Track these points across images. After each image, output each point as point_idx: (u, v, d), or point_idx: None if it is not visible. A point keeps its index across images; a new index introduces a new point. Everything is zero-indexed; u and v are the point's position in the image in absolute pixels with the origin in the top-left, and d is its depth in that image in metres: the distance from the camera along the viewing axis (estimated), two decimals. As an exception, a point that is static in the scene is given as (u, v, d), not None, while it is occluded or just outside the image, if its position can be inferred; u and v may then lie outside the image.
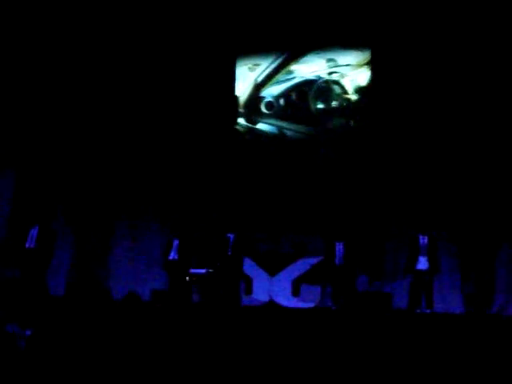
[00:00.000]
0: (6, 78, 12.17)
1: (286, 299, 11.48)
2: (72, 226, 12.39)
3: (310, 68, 12.62)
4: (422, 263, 10.19)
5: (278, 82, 12.77)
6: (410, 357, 6.13)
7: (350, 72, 12.41)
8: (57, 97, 12.50)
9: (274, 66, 12.78)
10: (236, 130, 12.90)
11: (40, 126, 12.39)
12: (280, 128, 12.70)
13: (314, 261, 11.57)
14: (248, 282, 11.49)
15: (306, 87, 12.62)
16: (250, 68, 12.90)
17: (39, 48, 12.33)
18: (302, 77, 12.64)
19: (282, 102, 12.75)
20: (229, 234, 11.05)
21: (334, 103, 12.49)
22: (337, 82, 12.47)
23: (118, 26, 12.53)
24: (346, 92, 12.41)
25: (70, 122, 12.53)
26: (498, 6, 11.24)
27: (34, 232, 10.45)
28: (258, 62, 12.88)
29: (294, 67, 12.69)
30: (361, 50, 12.38)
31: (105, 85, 12.69)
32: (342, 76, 12.43)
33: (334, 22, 12.23)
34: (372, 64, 12.28)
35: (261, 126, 12.83)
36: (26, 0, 12.10)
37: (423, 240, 10.26)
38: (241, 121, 12.91)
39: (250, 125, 12.85)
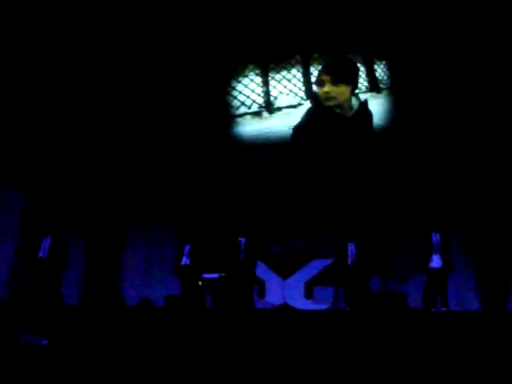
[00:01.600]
0: (16, 89, 12.21)
1: (299, 302, 11.45)
2: (84, 234, 12.42)
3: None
4: (436, 261, 10.15)
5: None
6: (427, 356, 6.09)
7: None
8: (66, 107, 12.53)
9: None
10: (243, 132, 12.91)
11: (51, 136, 12.42)
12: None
13: (326, 262, 11.56)
14: (261, 285, 11.48)
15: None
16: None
17: (50, 63, 12.37)
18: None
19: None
20: (240, 238, 11.04)
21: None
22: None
23: (120, 31, 12.55)
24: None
25: (81, 132, 12.55)
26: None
27: (46, 242, 10.48)
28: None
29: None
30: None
31: (113, 96, 12.71)
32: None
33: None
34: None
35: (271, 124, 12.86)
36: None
37: (436, 238, 10.22)
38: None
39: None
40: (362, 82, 12.59)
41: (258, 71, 12.97)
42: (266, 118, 12.89)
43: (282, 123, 12.77)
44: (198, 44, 12.56)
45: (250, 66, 13.01)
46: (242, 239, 11.02)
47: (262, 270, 11.44)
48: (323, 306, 11.22)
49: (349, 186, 12.05)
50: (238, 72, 13.02)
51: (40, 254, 10.42)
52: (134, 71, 12.68)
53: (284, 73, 12.91)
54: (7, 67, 12.06)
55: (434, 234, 10.26)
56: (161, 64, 12.68)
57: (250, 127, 12.86)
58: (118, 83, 12.66)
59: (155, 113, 12.77)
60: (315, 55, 12.78)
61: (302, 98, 12.80)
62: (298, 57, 12.85)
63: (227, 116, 12.96)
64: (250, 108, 12.92)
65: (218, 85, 12.92)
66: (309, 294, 11.56)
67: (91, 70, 12.56)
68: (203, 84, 12.76)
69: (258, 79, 12.97)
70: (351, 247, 10.72)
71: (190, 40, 12.54)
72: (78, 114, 12.58)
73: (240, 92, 12.94)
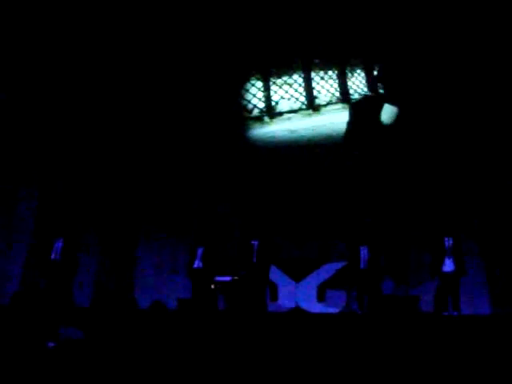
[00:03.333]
0: (30, 92, 12.29)
1: (311, 305, 11.46)
2: (96, 236, 12.46)
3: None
4: (448, 265, 10.10)
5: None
6: (439, 359, 6.08)
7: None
8: (80, 109, 12.60)
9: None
10: (256, 135, 12.97)
11: (63, 138, 12.48)
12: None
13: (338, 266, 11.54)
14: (273, 288, 11.48)
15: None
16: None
17: (61, 65, 12.45)
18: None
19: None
20: (253, 241, 11.02)
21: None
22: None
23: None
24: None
25: (95, 136, 12.62)
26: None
27: (58, 244, 10.50)
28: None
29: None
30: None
31: (125, 99, 12.79)
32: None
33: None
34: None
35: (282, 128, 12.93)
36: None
37: (448, 242, 10.17)
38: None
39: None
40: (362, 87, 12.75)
41: (259, 76, 13.07)
42: (274, 122, 12.99)
43: (296, 127, 12.85)
44: (200, 49, 12.65)
45: (252, 71, 13.09)
46: (255, 242, 10.99)
47: (274, 273, 11.43)
48: (335, 310, 11.20)
49: (362, 190, 12.04)
50: (240, 77, 13.12)
51: (52, 257, 10.44)
52: (149, 83, 12.82)
53: (285, 78, 13.01)
54: (26, 75, 12.18)
55: (446, 238, 10.21)
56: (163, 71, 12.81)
57: (260, 131, 12.96)
58: (131, 90, 12.77)
59: (167, 121, 12.85)
60: (316, 60, 12.86)
61: (302, 103, 12.90)
62: (299, 62, 12.94)
63: (236, 119, 13.04)
64: (261, 112, 13.04)
65: (219, 90, 12.99)
66: (321, 297, 11.55)
67: (109, 76, 12.67)
68: (205, 90, 12.84)
69: (260, 84, 13.07)
70: (364, 251, 10.67)
71: (193, 45, 12.63)
72: (93, 118, 12.65)
73: (242, 97, 13.05)
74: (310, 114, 12.86)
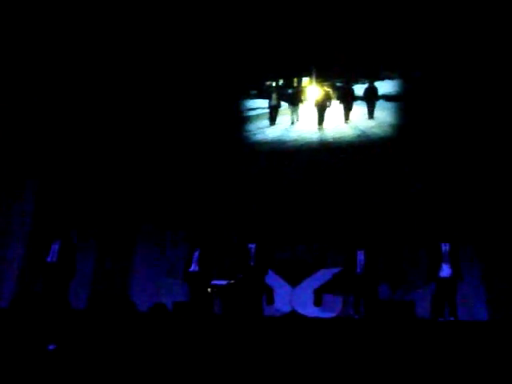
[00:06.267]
0: (29, 93, 12.28)
1: (307, 309, 11.45)
2: (94, 239, 12.45)
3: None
4: (445, 271, 10.07)
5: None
6: (434, 365, 6.08)
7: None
8: (79, 109, 12.62)
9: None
10: (254, 140, 13.01)
11: (62, 141, 12.48)
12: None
13: (335, 270, 11.53)
14: (270, 292, 11.47)
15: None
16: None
17: (62, 64, 12.45)
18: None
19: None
20: (250, 245, 11.01)
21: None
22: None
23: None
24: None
25: (92, 137, 12.62)
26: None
27: (55, 246, 10.48)
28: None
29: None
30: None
31: (125, 102, 12.81)
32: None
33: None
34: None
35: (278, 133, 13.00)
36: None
37: (445, 247, 10.15)
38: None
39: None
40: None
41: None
42: (272, 127, 13.05)
43: (289, 133, 12.92)
44: (202, 50, 12.71)
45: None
46: (252, 246, 10.97)
47: (270, 277, 11.41)
48: (332, 314, 11.19)
49: (359, 195, 12.05)
50: (246, 85, 13.26)
51: (49, 259, 10.41)
52: (148, 82, 12.85)
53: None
54: (25, 81, 12.20)
55: (443, 244, 10.18)
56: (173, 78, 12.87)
57: (257, 136, 13.01)
58: (131, 91, 12.79)
59: (168, 125, 12.88)
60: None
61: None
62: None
63: (235, 124, 13.09)
64: (257, 117, 13.13)
65: (226, 95, 13.07)
66: (317, 301, 11.54)
67: (108, 76, 12.69)
68: (213, 96, 12.92)
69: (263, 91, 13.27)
70: (360, 255, 10.64)
71: (195, 46, 12.69)
72: (92, 119, 12.67)
73: (246, 104, 13.16)
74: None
